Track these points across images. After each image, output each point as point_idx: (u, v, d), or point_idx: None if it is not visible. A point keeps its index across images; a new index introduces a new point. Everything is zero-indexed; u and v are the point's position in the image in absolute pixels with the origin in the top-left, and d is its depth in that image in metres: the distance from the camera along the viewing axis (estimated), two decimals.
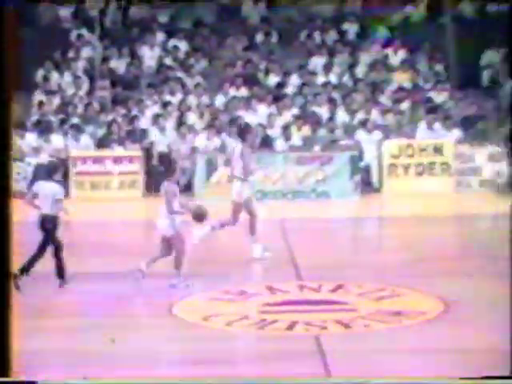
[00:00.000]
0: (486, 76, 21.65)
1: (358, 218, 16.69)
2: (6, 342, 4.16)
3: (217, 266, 12.28)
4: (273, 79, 21.21)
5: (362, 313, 10.27)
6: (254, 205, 12.85)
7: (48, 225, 11.40)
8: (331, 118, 19.67)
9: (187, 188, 18.39)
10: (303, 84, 20.84)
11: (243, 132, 13.19)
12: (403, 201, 17.28)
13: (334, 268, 12.28)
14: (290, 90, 20.84)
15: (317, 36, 22.60)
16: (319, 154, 18.41)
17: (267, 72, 21.42)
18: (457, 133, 19.11)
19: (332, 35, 22.64)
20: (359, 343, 9.38)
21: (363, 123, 19.25)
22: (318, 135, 19.29)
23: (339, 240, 13.74)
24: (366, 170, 18.56)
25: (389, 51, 22.06)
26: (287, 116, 19.77)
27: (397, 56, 21.94)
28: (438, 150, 18.43)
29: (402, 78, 21.14)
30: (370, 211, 17.60)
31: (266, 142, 18.99)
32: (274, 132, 19.27)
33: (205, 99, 20.52)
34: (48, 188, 11.53)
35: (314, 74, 21.29)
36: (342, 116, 19.82)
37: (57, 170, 11.91)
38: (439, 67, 21.70)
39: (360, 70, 21.54)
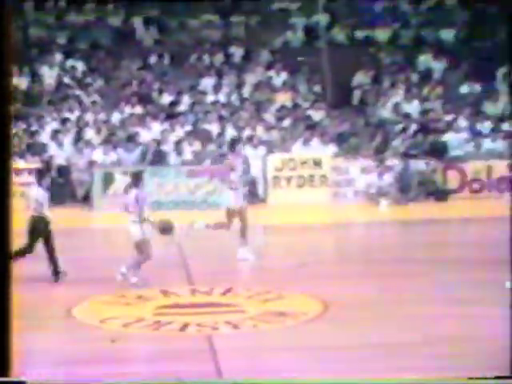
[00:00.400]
0: (356, 96, 22.06)
1: None
2: (6, 342, 4.01)
3: (115, 271, 12.13)
4: (166, 98, 21.13)
5: (250, 314, 10.29)
6: (246, 212, 13.00)
7: (37, 225, 11.59)
8: (220, 134, 19.71)
9: (85, 199, 18.14)
10: (194, 103, 20.83)
11: (233, 144, 13.16)
12: (286, 210, 17.41)
13: (224, 273, 12.28)
14: (182, 108, 20.80)
15: (206, 58, 22.64)
16: (209, 167, 18.41)
17: (161, 91, 21.33)
18: (332, 148, 19.37)
19: (220, 58, 22.72)
20: (248, 342, 9.40)
21: (249, 139, 19.35)
22: (208, 150, 19.29)
23: (228, 247, 13.74)
24: (253, 182, 18.63)
25: (271, 73, 22.25)
26: (179, 132, 19.72)
27: (279, 77, 22.15)
28: (317, 163, 18.65)
29: (283, 98, 21.34)
30: (257, 220, 17.67)
31: (160, 157, 18.89)
32: (167, 147, 19.19)
33: (102, 116, 20.28)
34: (34, 192, 11.83)
35: (204, 93, 21.30)
36: (230, 132, 19.88)
37: (44, 175, 12.31)
38: (317, 88, 22.00)
39: (246, 90, 21.66)
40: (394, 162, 18.89)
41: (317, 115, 20.76)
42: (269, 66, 22.42)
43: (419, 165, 18.92)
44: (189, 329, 9.77)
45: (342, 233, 16.20)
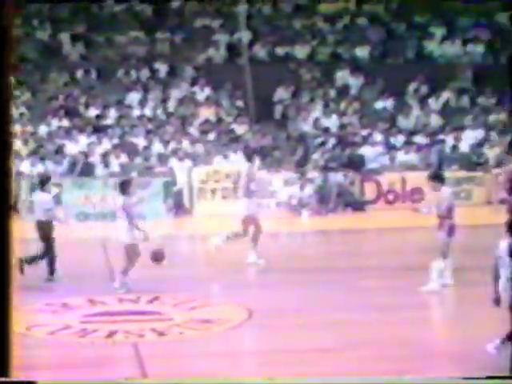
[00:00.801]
0: (278, 110, 22.13)
1: (171, 236, 16.57)
2: (6, 342, 3.87)
3: (41, 280, 11.87)
4: (93, 112, 20.85)
5: (177, 321, 10.17)
6: (259, 219, 13.43)
7: (42, 228, 11.91)
8: (147, 148, 19.52)
9: (13, 209, 17.73)
10: (121, 116, 20.60)
11: (250, 155, 13.61)
12: (211, 221, 17.31)
13: (151, 281, 12.11)
14: (109, 121, 20.55)
15: (132, 74, 22.44)
16: (136, 179, 18.18)
17: (87, 105, 21.04)
18: (256, 161, 19.33)
19: (145, 73, 22.54)
20: (174, 348, 9.28)
21: (175, 152, 19.21)
22: (135, 163, 19.08)
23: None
24: (179, 194, 18.50)
25: (196, 88, 22.17)
26: (107, 145, 19.46)
27: (203, 92, 22.08)
28: (240, 175, 18.57)
29: (207, 112, 21.28)
30: (182, 230, 17.54)
31: (87, 169, 18.60)
32: (95, 159, 18.91)
33: (29, 128, 19.90)
34: (39, 198, 12.13)
35: (130, 107, 21.09)
36: (156, 146, 19.70)
37: (47, 181, 12.41)
38: (239, 103, 22.00)
39: (171, 105, 21.53)
40: (315, 175, 18.98)
41: (240, 129, 20.75)
42: (193, 82, 22.34)
43: (338, 177, 19.05)
44: (115, 336, 9.59)
45: (266, 242, 16.15)
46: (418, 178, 18.87)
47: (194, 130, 20.59)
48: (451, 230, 11.46)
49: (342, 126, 20.85)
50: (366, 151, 19.78)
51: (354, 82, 22.75)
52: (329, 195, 18.84)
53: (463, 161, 19.45)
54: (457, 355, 8.82)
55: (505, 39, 22.77)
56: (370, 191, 19.05)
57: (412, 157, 19.65)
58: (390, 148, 19.99)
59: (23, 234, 16.20)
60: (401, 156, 19.72)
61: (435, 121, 21.21)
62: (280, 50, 23.54)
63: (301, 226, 17.68)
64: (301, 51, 23.50)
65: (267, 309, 10.61)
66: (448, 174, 18.66)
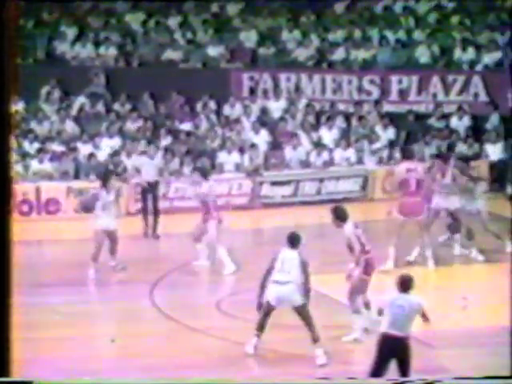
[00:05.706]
0: None
1: None
2: (6, 342, 3.48)
3: None
4: None
5: None
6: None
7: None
8: None
9: None
10: None
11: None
12: None
13: None
14: None
15: None
16: None
17: None
18: None
19: None
20: None
21: None
22: None
23: None
24: None
25: None
26: None
27: None
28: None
29: None
30: None
31: None
32: None
33: None
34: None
35: None
36: None
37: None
38: None
39: None
40: None
41: None
42: None
43: None
44: None
45: None
46: (55, 189, 18.87)
47: None
48: None
49: None
50: None
51: None
52: None
53: (100, 170, 19.69)
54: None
55: (135, 42, 23.53)
56: None
57: (47, 165, 19.51)
58: (24, 155, 19.69)
59: None
60: (35, 164, 19.49)
61: (71, 127, 21.20)
62: None
63: None
64: None
65: None
66: (84, 184, 18.99)
